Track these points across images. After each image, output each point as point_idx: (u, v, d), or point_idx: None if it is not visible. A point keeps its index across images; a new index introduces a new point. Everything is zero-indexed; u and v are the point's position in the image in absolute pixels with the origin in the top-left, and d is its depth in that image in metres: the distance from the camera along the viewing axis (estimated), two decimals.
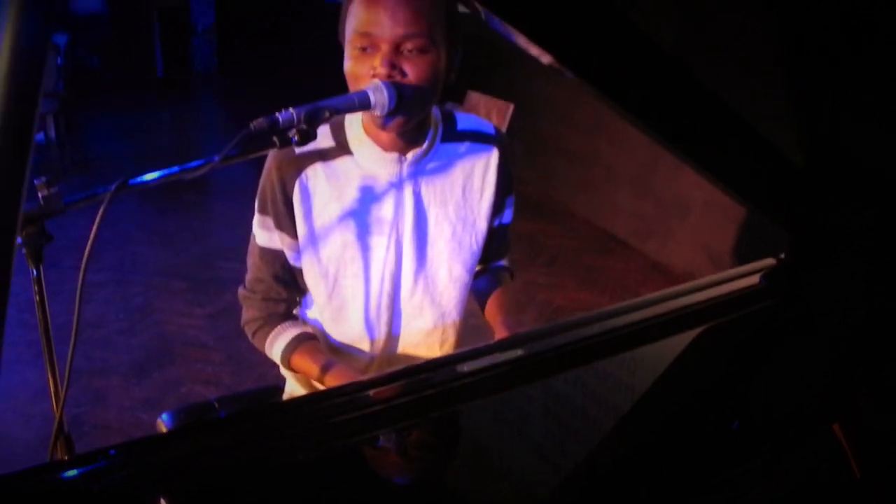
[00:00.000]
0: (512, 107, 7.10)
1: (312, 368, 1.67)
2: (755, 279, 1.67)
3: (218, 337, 4.06)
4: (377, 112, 1.45)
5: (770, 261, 1.71)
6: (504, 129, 7.09)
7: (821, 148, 1.50)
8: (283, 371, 1.87)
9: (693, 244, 4.86)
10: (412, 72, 1.48)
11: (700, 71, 1.32)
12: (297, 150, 1.59)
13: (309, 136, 1.36)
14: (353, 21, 1.49)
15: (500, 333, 1.75)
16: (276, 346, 1.73)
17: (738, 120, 1.36)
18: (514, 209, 1.86)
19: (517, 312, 1.87)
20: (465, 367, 1.40)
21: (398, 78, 1.47)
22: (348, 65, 1.52)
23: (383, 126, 1.53)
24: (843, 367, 1.53)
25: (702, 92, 1.29)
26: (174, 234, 5.57)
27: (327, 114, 1.38)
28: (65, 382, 1.20)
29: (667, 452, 1.35)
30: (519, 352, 1.45)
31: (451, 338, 1.83)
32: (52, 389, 1.22)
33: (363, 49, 1.48)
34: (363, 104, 1.43)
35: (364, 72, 1.48)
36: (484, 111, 7.45)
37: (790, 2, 1.32)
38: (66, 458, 1.23)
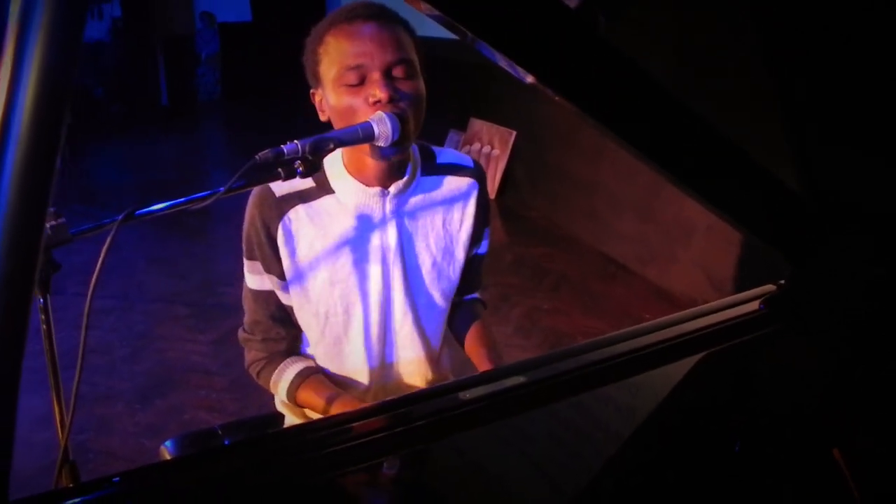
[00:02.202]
0: (514, 134, 7.17)
1: (318, 402, 1.68)
2: (755, 305, 1.67)
3: (221, 363, 4.05)
4: (380, 143, 1.47)
5: (770, 287, 1.72)
6: (507, 155, 7.15)
7: (820, 177, 1.52)
8: (281, 407, 1.87)
9: (695, 269, 4.86)
10: (410, 92, 1.51)
11: (699, 101, 1.34)
12: (278, 192, 1.62)
13: (314, 167, 1.38)
14: (336, 59, 1.52)
15: (483, 366, 1.76)
16: (281, 383, 1.74)
17: (736, 149, 1.37)
18: (489, 241, 1.89)
19: (496, 345, 1.89)
20: (468, 395, 1.40)
21: (398, 102, 1.49)
22: (340, 101, 1.53)
23: (384, 157, 1.55)
24: (842, 392, 1.53)
25: (697, 121, 1.31)
26: (177, 261, 5.58)
27: (332, 145, 1.40)
28: (70, 409, 1.21)
29: (669, 475, 1.35)
30: (521, 378, 1.46)
31: (439, 365, 1.87)
32: (57, 417, 1.23)
33: (353, 84, 1.51)
34: (367, 135, 1.45)
35: (360, 104, 1.50)
36: (486, 138, 7.52)
37: (786, 34, 1.34)
38: (71, 485, 1.23)
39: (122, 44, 11.34)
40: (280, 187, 1.62)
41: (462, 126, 7.88)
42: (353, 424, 1.31)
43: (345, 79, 1.51)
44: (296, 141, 1.36)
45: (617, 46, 1.20)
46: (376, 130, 1.45)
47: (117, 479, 1.10)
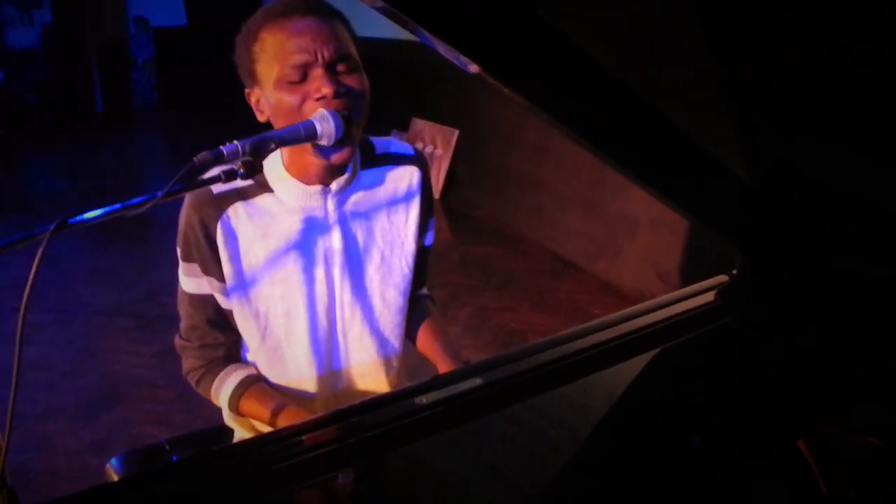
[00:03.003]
0: (457, 133, 7.15)
1: (262, 412, 1.62)
2: (710, 297, 1.67)
3: (167, 375, 3.94)
4: (323, 141, 1.43)
5: (723, 278, 1.72)
6: (450, 154, 7.13)
7: (769, 164, 1.51)
8: (229, 421, 1.81)
9: (642, 263, 4.89)
10: (355, 87, 1.47)
11: (644, 89, 1.32)
12: (215, 190, 1.56)
13: (255, 168, 1.33)
14: (276, 56, 1.47)
15: (442, 364, 1.73)
16: (222, 392, 1.68)
17: (686, 138, 1.36)
18: (434, 232, 1.85)
19: (452, 341, 1.84)
20: (424, 400, 1.37)
21: (343, 98, 1.45)
22: (281, 100, 1.48)
23: (327, 158, 1.50)
24: (803, 382, 1.53)
25: (645, 108, 1.29)
26: (118, 271, 5.45)
27: (273, 145, 1.36)
28: (6, 430, 1.15)
29: (628, 471, 1.33)
30: (477, 381, 1.43)
31: (396, 369, 1.79)
32: None
33: (294, 82, 1.46)
34: (309, 134, 1.41)
35: (300, 102, 1.46)
36: (429, 137, 7.49)
37: (732, 19, 1.33)
38: None
39: (54, 50, 11.08)
40: (218, 185, 1.55)
41: (404, 126, 7.84)
42: (304, 437, 1.28)
43: (287, 75, 1.46)
44: (235, 142, 1.30)
45: (563, 33, 1.17)
46: (319, 129, 1.41)
47: None
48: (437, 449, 1.37)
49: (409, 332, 1.87)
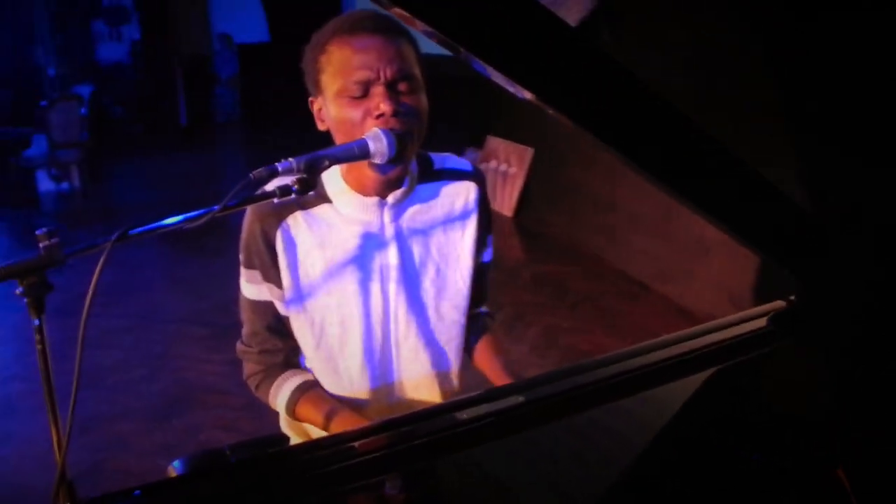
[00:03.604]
0: (531, 151, 7.16)
1: (317, 416, 1.64)
2: (763, 322, 1.66)
3: (237, 383, 3.97)
4: (376, 160, 1.45)
5: (780, 303, 1.70)
6: (524, 173, 7.13)
7: (831, 192, 1.50)
8: (285, 428, 1.84)
9: (714, 286, 4.82)
10: (414, 107, 1.50)
11: (706, 113, 1.32)
12: (276, 201, 1.56)
13: (309, 185, 1.34)
14: (339, 70, 1.50)
15: (497, 381, 1.73)
16: (279, 397, 1.70)
17: (741, 163, 1.35)
18: (493, 249, 1.85)
19: (509, 359, 1.84)
20: (474, 412, 1.38)
21: (401, 117, 1.48)
22: (341, 113, 1.51)
23: (383, 173, 1.53)
24: (846, 410, 1.51)
25: (701, 135, 1.29)
26: (195, 281, 5.60)
27: (327, 163, 1.38)
28: (67, 429, 1.19)
29: (683, 485, 1.33)
30: (520, 398, 1.44)
31: (452, 384, 1.79)
32: (54, 437, 1.21)
33: (356, 97, 1.49)
34: (363, 152, 1.43)
35: (361, 117, 1.49)
36: (503, 155, 7.51)
37: (794, 51, 1.33)
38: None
39: (142, 65, 11.45)
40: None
41: (479, 144, 7.88)
42: (354, 443, 1.30)
43: (349, 90, 1.49)
44: (291, 159, 1.33)
45: (619, 62, 1.18)
46: (372, 147, 1.43)
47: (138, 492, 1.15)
48: (490, 459, 1.38)
49: (467, 349, 1.87)
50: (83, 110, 8.16)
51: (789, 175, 1.50)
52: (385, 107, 1.46)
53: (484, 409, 1.40)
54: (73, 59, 11.37)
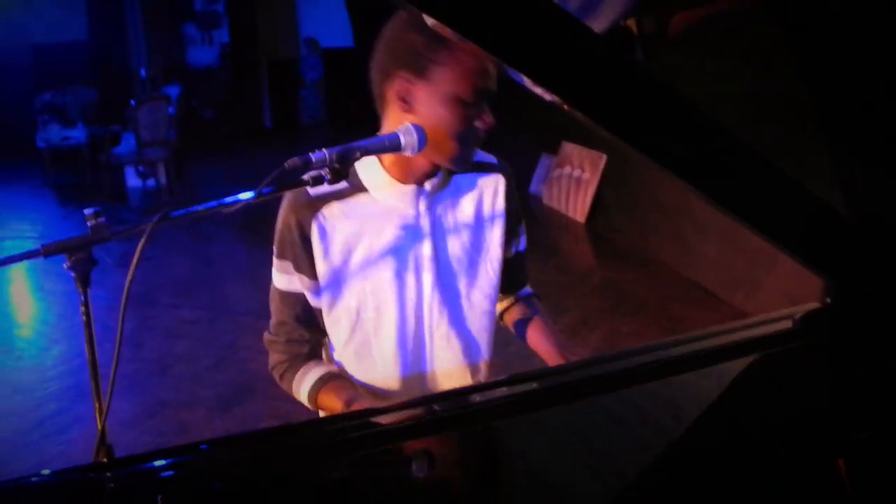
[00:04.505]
0: (605, 157, 7.13)
1: (337, 404, 1.67)
2: (793, 323, 1.68)
3: None
4: (407, 152, 1.51)
5: (814, 305, 1.71)
6: (597, 178, 7.12)
7: (868, 198, 1.51)
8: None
9: (780, 295, 4.74)
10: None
11: (743, 125, 1.34)
12: (312, 191, 1.61)
13: (341, 175, 1.42)
14: (468, 74, 1.53)
15: (553, 359, 1.75)
16: (302, 386, 1.74)
17: (777, 170, 1.38)
18: (527, 237, 1.90)
19: (561, 339, 1.86)
20: (517, 389, 1.47)
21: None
22: (447, 112, 1.55)
23: (456, 168, 1.65)
24: (854, 403, 1.54)
25: (735, 141, 1.32)
26: (264, 276, 5.70)
27: (358, 154, 1.44)
28: (108, 397, 1.29)
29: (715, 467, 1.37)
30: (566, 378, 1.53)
31: (482, 373, 1.82)
32: (95, 404, 1.31)
33: (469, 104, 1.54)
34: (393, 145, 1.49)
35: (461, 121, 1.55)
36: (577, 161, 7.51)
37: (833, 60, 1.34)
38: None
39: (230, 69, 11.76)
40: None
41: (554, 149, 7.89)
42: (376, 418, 1.38)
43: (466, 95, 1.53)
44: (324, 149, 1.40)
45: (647, 68, 1.23)
46: (403, 141, 1.49)
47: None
48: (520, 440, 1.44)
49: (518, 331, 1.91)
50: (171, 110, 8.46)
51: (827, 180, 1.51)
52: (490, 119, 1.56)
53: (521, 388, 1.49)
54: (165, 61, 11.79)
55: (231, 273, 5.79)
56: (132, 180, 8.89)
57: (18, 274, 6.08)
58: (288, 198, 1.67)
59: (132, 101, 8.46)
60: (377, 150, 1.50)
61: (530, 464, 1.40)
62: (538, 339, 1.84)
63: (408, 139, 1.49)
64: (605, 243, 6.67)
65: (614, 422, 1.51)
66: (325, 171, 1.41)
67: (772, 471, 1.32)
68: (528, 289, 1.97)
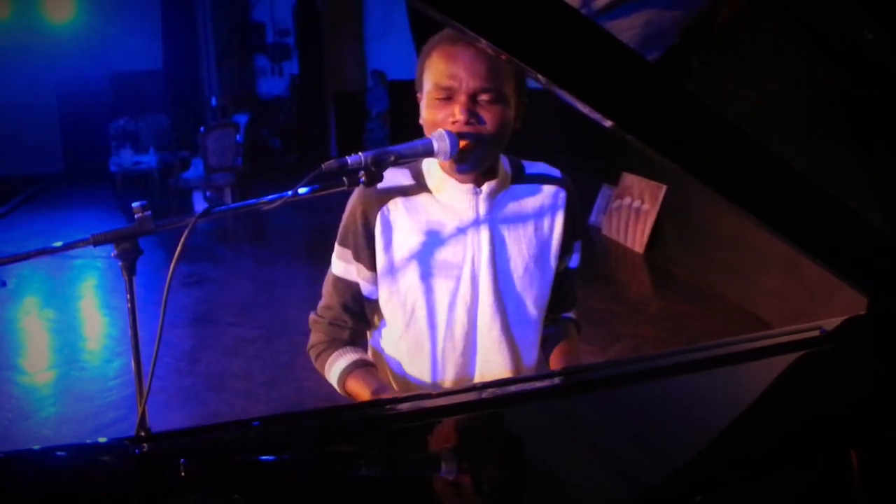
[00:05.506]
0: (665, 188, 7.10)
1: (364, 392, 1.72)
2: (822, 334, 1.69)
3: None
4: (440, 157, 1.57)
5: (839, 319, 1.72)
6: (656, 209, 7.09)
7: None
8: None
9: None
10: (488, 119, 1.60)
11: (787, 135, 1.37)
12: (379, 186, 1.66)
13: (375, 177, 1.49)
14: (433, 74, 1.63)
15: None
16: (333, 368, 1.80)
17: (818, 187, 1.41)
18: (580, 256, 1.90)
19: (577, 361, 1.90)
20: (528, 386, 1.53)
21: (474, 124, 1.59)
22: (426, 113, 1.65)
23: (458, 171, 1.65)
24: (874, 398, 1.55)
25: (777, 161, 1.37)
26: None
27: (392, 158, 1.51)
28: (148, 383, 1.37)
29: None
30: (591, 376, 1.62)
31: None
32: (137, 387, 1.39)
33: (441, 99, 1.62)
34: (426, 150, 1.56)
35: (441, 119, 1.61)
36: (637, 192, 7.49)
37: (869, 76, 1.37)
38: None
39: (298, 99, 12.01)
40: (382, 183, 1.64)
41: (614, 180, 7.89)
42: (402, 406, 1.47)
43: (435, 93, 1.62)
44: (360, 153, 1.49)
45: (698, 95, 1.28)
46: (435, 146, 1.55)
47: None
48: (545, 442, 1.48)
49: (545, 348, 1.93)
50: (238, 138, 8.69)
51: (867, 197, 1.53)
52: (459, 115, 1.58)
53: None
54: (236, 91, 12.11)
55: (291, 297, 5.90)
56: (200, 204, 9.08)
57: (88, 291, 6.32)
58: (357, 191, 1.74)
59: (202, 128, 8.70)
60: (411, 155, 1.56)
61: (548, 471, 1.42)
62: (556, 362, 1.88)
63: (440, 144, 1.56)
64: (662, 274, 6.63)
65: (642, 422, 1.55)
66: (360, 174, 1.48)
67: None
68: (570, 313, 1.99)
